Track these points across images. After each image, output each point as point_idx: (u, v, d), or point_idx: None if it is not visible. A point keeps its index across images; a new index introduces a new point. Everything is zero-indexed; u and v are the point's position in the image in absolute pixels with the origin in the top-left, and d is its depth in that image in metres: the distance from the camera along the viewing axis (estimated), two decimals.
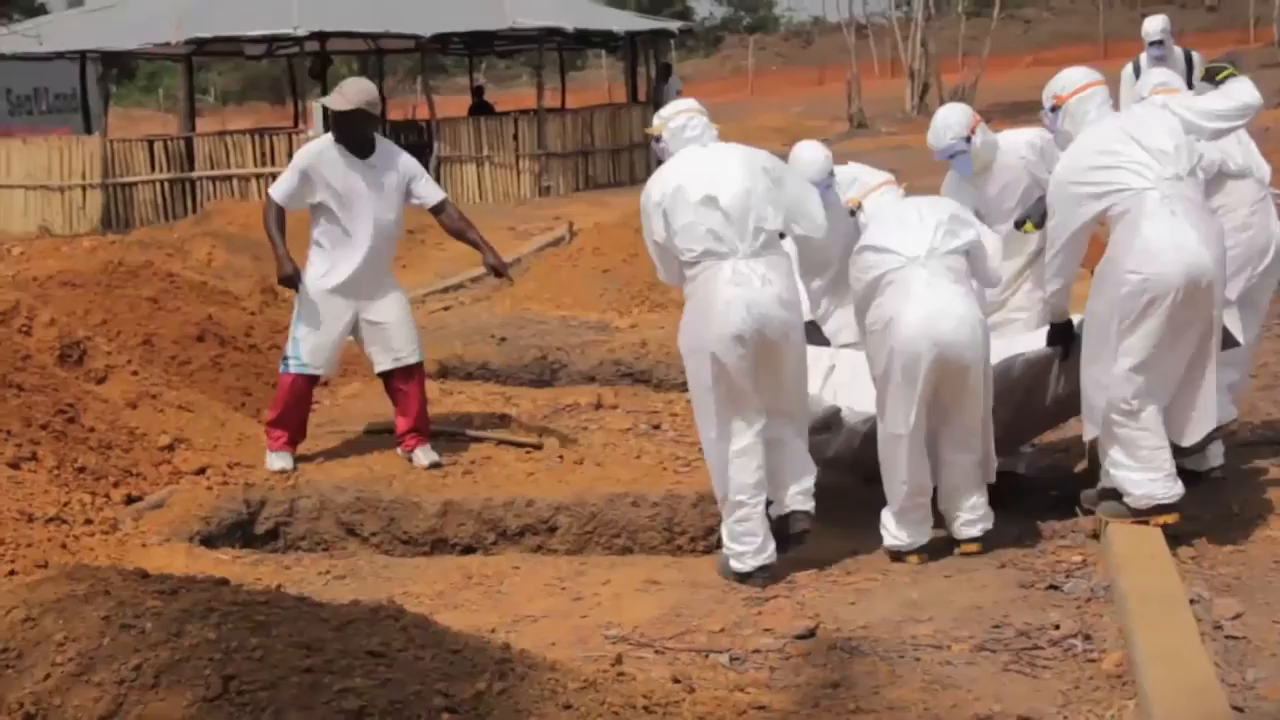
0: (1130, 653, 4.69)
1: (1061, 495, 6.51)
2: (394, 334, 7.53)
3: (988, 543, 6.02)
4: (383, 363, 7.57)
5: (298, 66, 25.10)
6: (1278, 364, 8.37)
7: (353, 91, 7.31)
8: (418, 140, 26.35)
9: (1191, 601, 5.03)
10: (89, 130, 23.32)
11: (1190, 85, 11.18)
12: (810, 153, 6.82)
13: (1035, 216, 6.44)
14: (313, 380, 7.63)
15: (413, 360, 7.59)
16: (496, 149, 22.94)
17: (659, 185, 6.04)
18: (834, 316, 6.93)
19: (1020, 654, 4.91)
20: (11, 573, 5.76)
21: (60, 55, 23.17)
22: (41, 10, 42.97)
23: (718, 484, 5.99)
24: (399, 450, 7.63)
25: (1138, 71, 11.39)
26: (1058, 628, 5.09)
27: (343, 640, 3.86)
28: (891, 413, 5.92)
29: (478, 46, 29.10)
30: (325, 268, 7.42)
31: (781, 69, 54.49)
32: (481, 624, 5.27)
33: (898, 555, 6.02)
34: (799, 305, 6.08)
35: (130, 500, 7.03)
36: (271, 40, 24.59)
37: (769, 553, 5.92)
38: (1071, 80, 6.14)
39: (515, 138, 23.15)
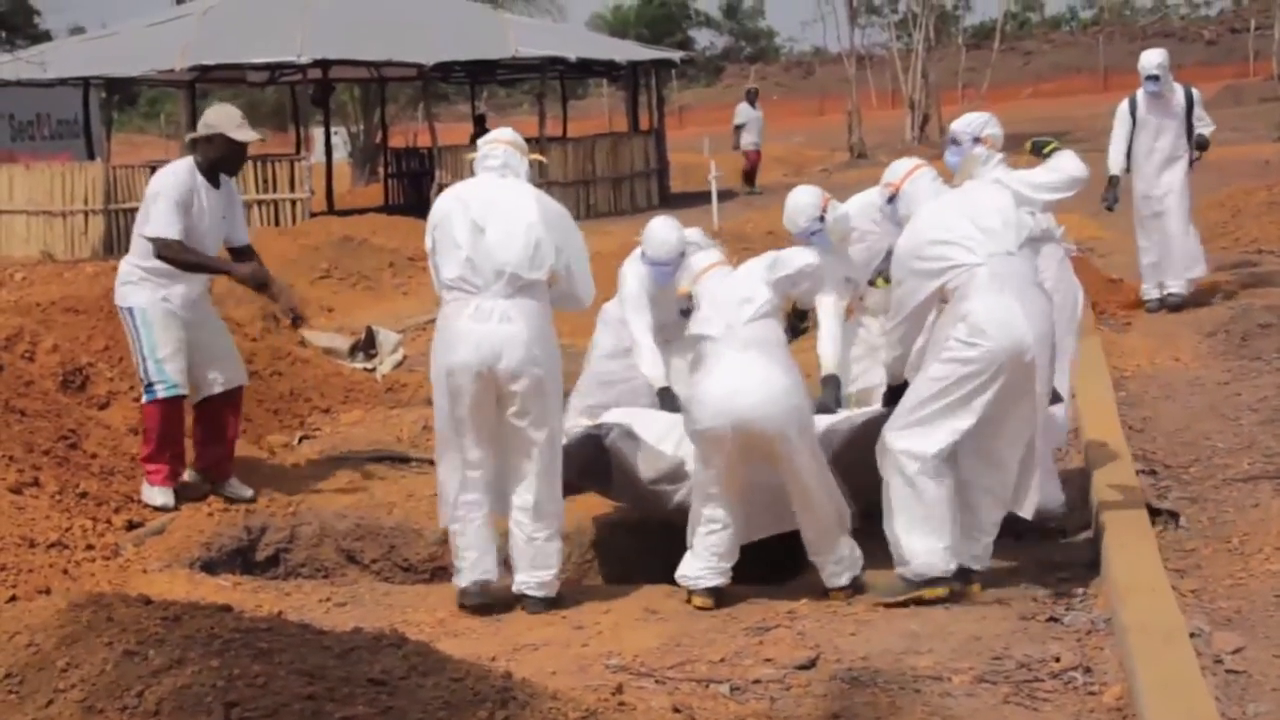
0: (1131, 686, 4.69)
1: (1058, 528, 6.55)
2: (224, 358, 7.44)
3: (988, 578, 6.02)
4: (212, 386, 7.40)
5: (300, 94, 25.20)
6: (1278, 398, 8.38)
7: (244, 121, 7.32)
8: (419, 167, 26.50)
9: (1192, 635, 5.02)
10: (91, 156, 23.39)
11: (1190, 125, 11.17)
12: (662, 233, 7.04)
13: (886, 271, 6.60)
14: (182, 401, 7.34)
15: (243, 383, 7.57)
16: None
17: (439, 202, 6.23)
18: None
19: (1020, 686, 4.90)
20: (13, 598, 5.76)
21: (63, 81, 23.25)
22: (46, 37, 43.13)
23: (442, 508, 6.17)
24: (197, 477, 7.50)
25: (1133, 108, 11.29)
26: (1058, 660, 5.08)
27: (345, 668, 3.86)
28: (703, 475, 6.02)
29: (480, 75, 29.22)
30: (164, 291, 7.21)
31: (782, 99, 54.64)
32: (482, 652, 5.26)
33: (689, 594, 6.06)
34: (548, 352, 6.06)
35: (131, 526, 7.05)
36: (275, 68, 24.69)
37: (485, 568, 6.09)
38: (901, 168, 6.29)
39: None
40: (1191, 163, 11.37)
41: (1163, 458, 7.59)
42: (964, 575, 5.86)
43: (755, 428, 5.78)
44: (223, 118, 7.31)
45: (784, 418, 5.82)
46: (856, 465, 6.11)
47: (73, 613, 4.03)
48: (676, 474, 6.49)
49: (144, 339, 7.18)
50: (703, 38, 76.62)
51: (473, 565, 6.08)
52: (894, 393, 6.13)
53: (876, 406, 6.39)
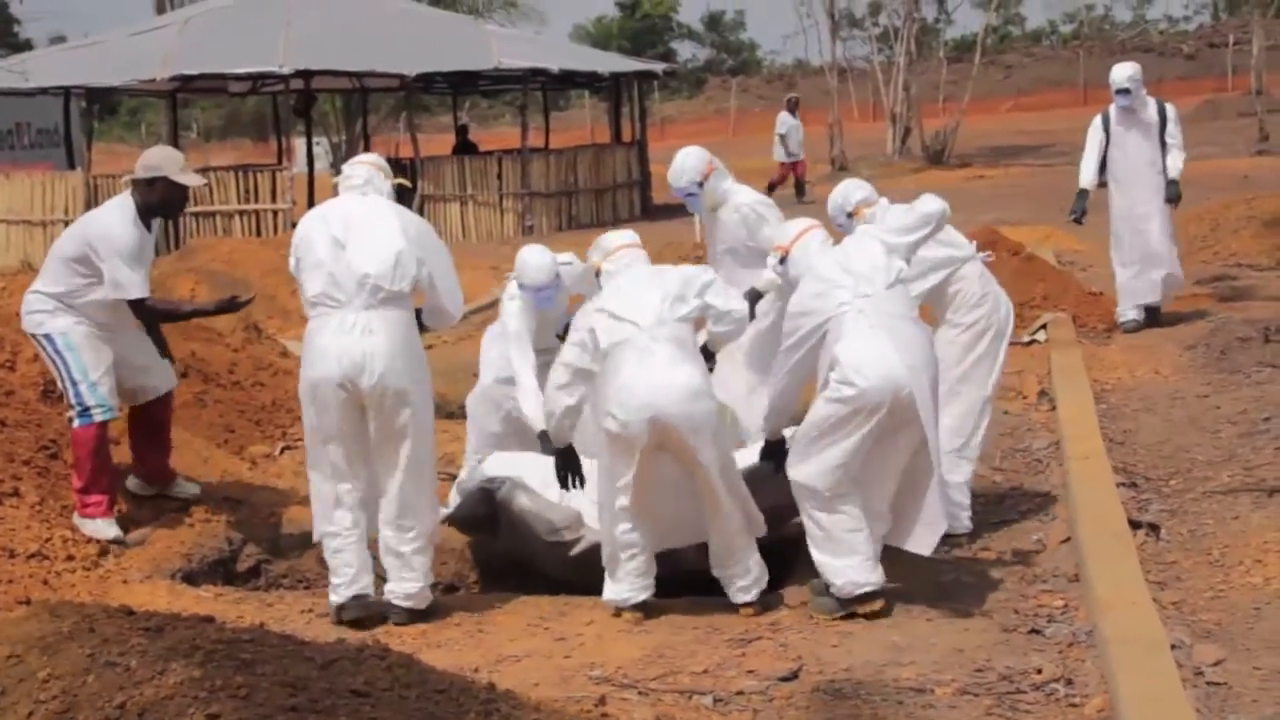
0: (1112, 697, 4.70)
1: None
2: (151, 365, 7.28)
3: (966, 592, 6.03)
4: (146, 395, 7.29)
5: (282, 104, 25.18)
6: (1256, 411, 8.41)
7: (187, 164, 7.13)
8: (399, 176, 26.43)
9: (1173, 647, 5.03)
10: (72, 165, 23.37)
11: (1163, 139, 11.00)
12: (536, 258, 7.28)
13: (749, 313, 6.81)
14: (109, 424, 7.12)
15: (173, 385, 7.44)
16: (480, 188, 23.03)
17: (302, 223, 6.31)
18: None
19: (1003, 698, 4.92)
20: None
21: (44, 91, 23.20)
22: (27, 46, 43.01)
23: (317, 520, 6.21)
24: (142, 485, 7.44)
25: (1106, 123, 11.18)
26: (1040, 672, 5.10)
27: (328, 679, 3.85)
28: (612, 489, 6.00)
29: (462, 86, 29.24)
30: (77, 315, 7.00)
31: (764, 111, 54.71)
32: (465, 663, 5.26)
33: (618, 610, 6.07)
34: (413, 364, 6.10)
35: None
36: (256, 78, 24.67)
37: (362, 584, 6.14)
38: (791, 230, 6.38)
39: (499, 177, 23.26)
40: (1169, 200, 11.10)
41: (1143, 470, 7.62)
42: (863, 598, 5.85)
43: (675, 422, 5.80)
44: (165, 160, 7.04)
45: (703, 416, 5.87)
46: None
47: (54, 623, 4.01)
48: (575, 524, 6.56)
49: (71, 363, 6.94)
50: (685, 50, 76.92)
51: (349, 581, 6.15)
52: (770, 448, 6.23)
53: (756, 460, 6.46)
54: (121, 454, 7.46)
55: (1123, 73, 11.14)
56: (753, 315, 6.82)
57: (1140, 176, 11.13)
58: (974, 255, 6.97)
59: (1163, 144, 11.10)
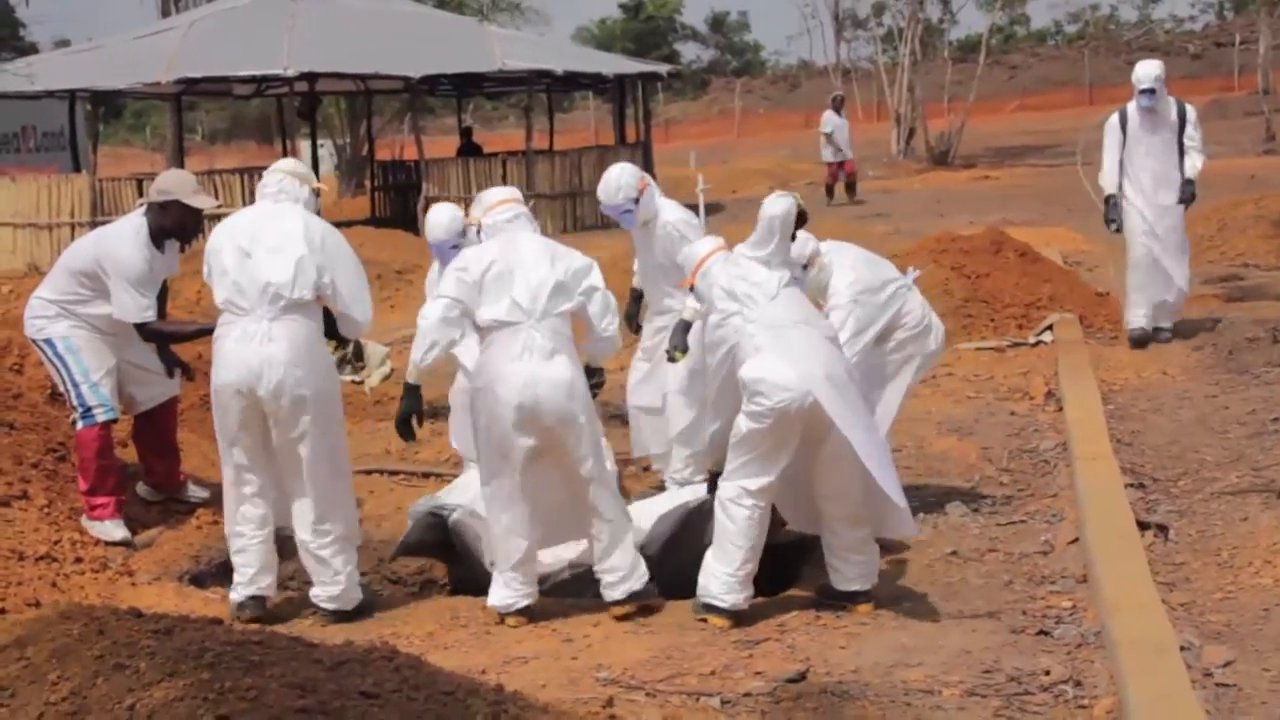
0: (1121, 699, 4.69)
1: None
2: (153, 372, 7.32)
3: (964, 592, 6.02)
4: (147, 403, 7.33)
5: (286, 106, 25.20)
6: (1265, 411, 8.41)
7: (200, 186, 7.17)
8: (405, 180, 26.49)
9: (1182, 648, 5.03)
10: (77, 168, 23.37)
11: (1181, 141, 10.63)
12: (436, 216, 7.65)
13: (681, 344, 6.97)
14: (112, 425, 7.15)
15: (175, 394, 7.47)
16: (485, 189, 23.01)
17: (215, 231, 6.41)
18: None
19: (1011, 699, 4.91)
20: (2, 611, 5.75)
21: (50, 94, 23.23)
22: (32, 49, 43.07)
23: (225, 518, 6.35)
24: (151, 492, 7.47)
25: (1124, 121, 10.67)
26: (1048, 673, 5.09)
27: (336, 681, 3.85)
28: (491, 472, 6.06)
29: (466, 88, 29.24)
30: (78, 320, 7.06)
31: (768, 112, 54.79)
32: (472, 665, 5.26)
33: (501, 617, 6.11)
34: (314, 371, 6.17)
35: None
36: (261, 80, 24.69)
37: (261, 585, 6.27)
38: (690, 261, 6.30)
39: (504, 179, 23.22)
40: (1183, 200, 10.69)
41: (1151, 471, 7.61)
42: (851, 597, 5.93)
43: (547, 419, 5.89)
44: (178, 184, 7.04)
45: (577, 410, 5.97)
46: (679, 546, 6.39)
47: (63, 625, 4.01)
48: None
49: (73, 365, 6.99)
50: (689, 51, 76.84)
51: (249, 581, 6.29)
52: (714, 481, 6.25)
53: (702, 493, 6.55)
54: (128, 455, 7.48)
55: (1148, 72, 10.62)
56: (685, 347, 6.97)
57: (1159, 179, 10.67)
58: (909, 280, 7.06)
59: (1181, 146, 10.66)
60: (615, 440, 7.62)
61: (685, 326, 7.01)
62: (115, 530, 6.96)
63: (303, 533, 6.25)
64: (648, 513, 6.64)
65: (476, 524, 6.53)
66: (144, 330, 7.00)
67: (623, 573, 6.08)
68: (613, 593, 6.09)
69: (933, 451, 8.25)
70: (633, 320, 7.95)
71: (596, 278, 6.21)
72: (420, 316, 6.17)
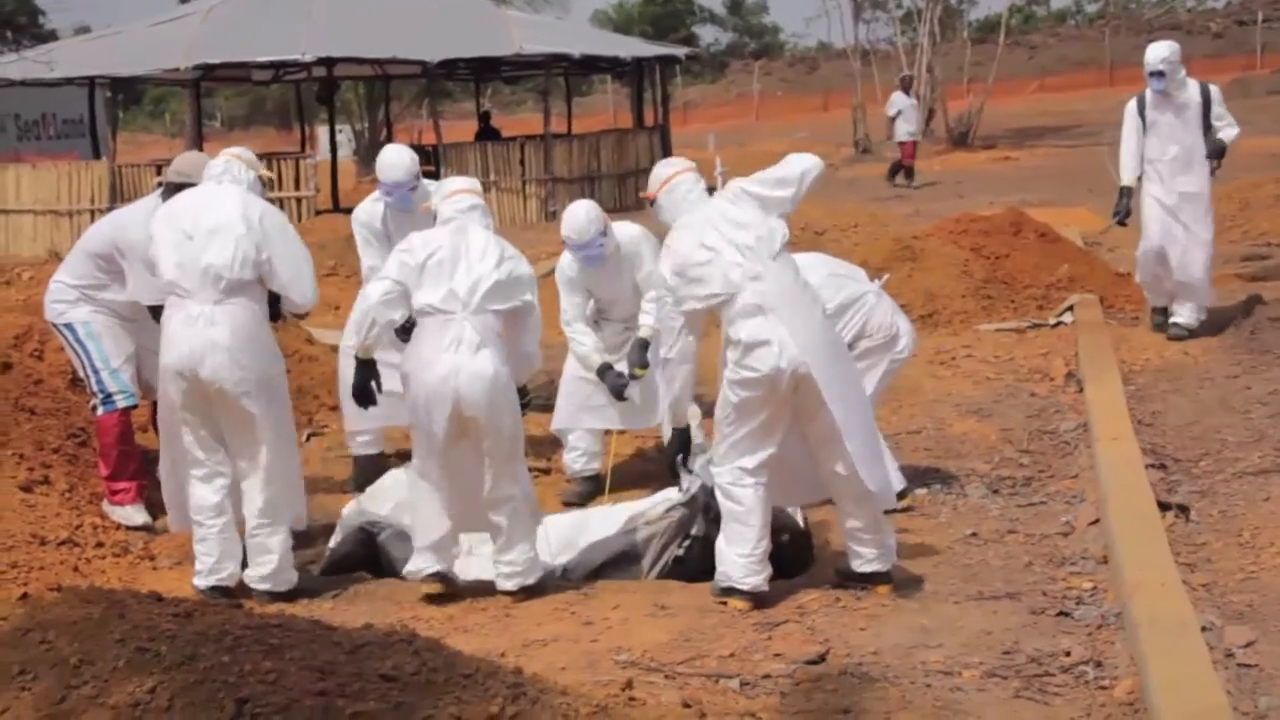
0: (1142, 680, 4.68)
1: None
2: None
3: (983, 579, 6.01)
4: None
5: (304, 92, 25.22)
6: None
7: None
8: (424, 165, 26.45)
9: (1203, 629, 5.02)
10: (97, 155, 23.42)
11: (1208, 123, 9.95)
12: (391, 156, 7.77)
13: (639, 360, 7.09)
14: (132, 411, 7.23)
15: None
16: (503, 174, 23.02)
17: (158, 214, 6.40)
18: None
19: (1031, 681, 4.90)
20: (25, 595, 5.76)
21: (69, 81, 23.28)
22: (51, 36, 43.17)
23: (170, 507, 6.39)
24: None
25: (1142, 106, 10.12)
26: (1069, 654, 5.08)
27: (356, 663, 3.86)
28: (419, 451, 6.12)
29: (484, 72, 29.22)
30: (98, 305, 7.14)
31: (787, 94, 54.62)
32: (492, 648, 5.27)
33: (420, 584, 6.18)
34: (257, 354, 6.18)
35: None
36: (279, 66, 24.71)
37: (224, 573, 6.24)
38: (659, 174, 6.18)
39: (522, 163, 23.24)
40: (1212, 172, 10.18)
41: (1172, 451, 7.59)
42: (870, 578, 5.90)
43: (473, 399, 5.92)
44: (195, 166, 6.98)
45: (502, 398, 6.01)
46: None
47: (85, 609, 4.04)
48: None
49: (93, 350, 7.07)
50: (707, 34, 76.64)
51: (208, 571, 6.26)
52: (680, 435, 6.18)
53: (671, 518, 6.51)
54: (149, 441, 7.50)
55: (1156, 54, 10.00)
56: (646, 364, 7.07)
57: (1180, 164, 10.10)
58: (875, 286, 7.07)
59: (1207, 128, 10.03)
60: (619, 442, 7.66)
61: (643, 344, 7.09)
62: (136, 515, 7.00)
63: (249, 513, 6.24)
64: (595, 529, 6.63)
65: (402, 548, 6.51)
66: (157, 312, 6.98)
67: (519, 569, 6.16)
68: (505, 584, 6.17)
69: (953, 433, 8.24)
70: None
71: (532, 293, 6.26)
72: (361, 296, 6.30)
